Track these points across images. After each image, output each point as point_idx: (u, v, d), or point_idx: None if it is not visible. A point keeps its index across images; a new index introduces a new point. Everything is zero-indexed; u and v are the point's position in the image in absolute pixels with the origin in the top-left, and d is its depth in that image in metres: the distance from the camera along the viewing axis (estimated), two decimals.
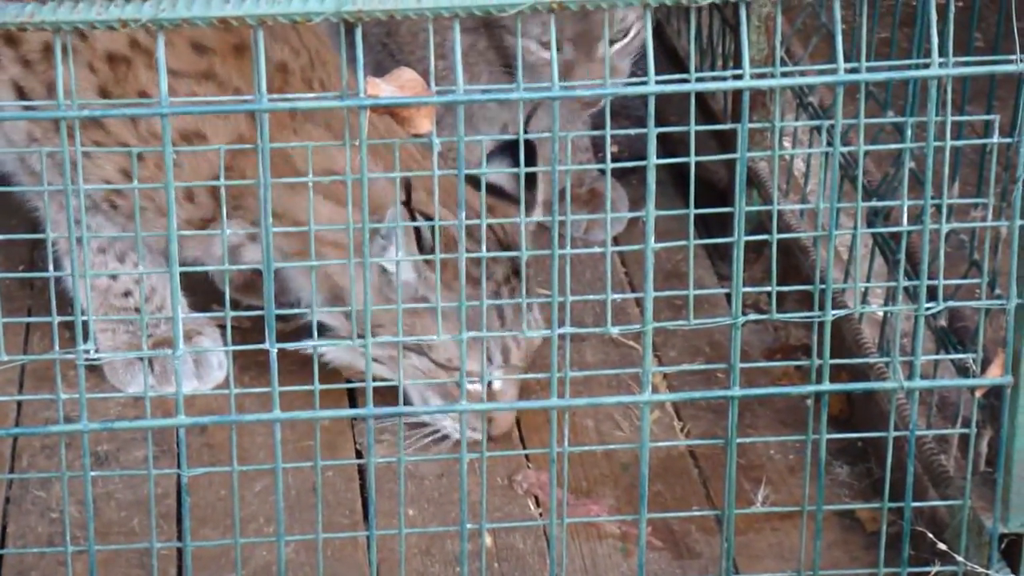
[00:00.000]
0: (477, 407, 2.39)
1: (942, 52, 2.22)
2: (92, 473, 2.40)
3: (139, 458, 3.09)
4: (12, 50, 3.07)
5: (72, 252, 2.26)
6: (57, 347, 2.33)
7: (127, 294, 3.27)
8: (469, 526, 2.47)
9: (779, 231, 2.44)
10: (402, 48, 3.64)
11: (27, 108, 3.02)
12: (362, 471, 3.04)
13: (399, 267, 2.83)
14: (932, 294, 2.43)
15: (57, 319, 2.32)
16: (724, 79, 2.24)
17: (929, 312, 2.42)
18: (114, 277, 3.26)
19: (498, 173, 3.11)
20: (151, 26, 2.02)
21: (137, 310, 3.25)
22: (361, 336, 2.82)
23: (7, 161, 3.26)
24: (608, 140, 2.29)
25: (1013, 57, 2.27)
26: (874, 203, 2.94)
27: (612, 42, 3.50)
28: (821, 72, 2.26)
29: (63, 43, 2.08)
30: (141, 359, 3.15)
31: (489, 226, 2.91)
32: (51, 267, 2.33)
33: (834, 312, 2.38)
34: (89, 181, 3.05)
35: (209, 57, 3.03)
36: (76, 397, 2.33)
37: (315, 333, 2.41)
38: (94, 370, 3.30)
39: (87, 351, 2.29)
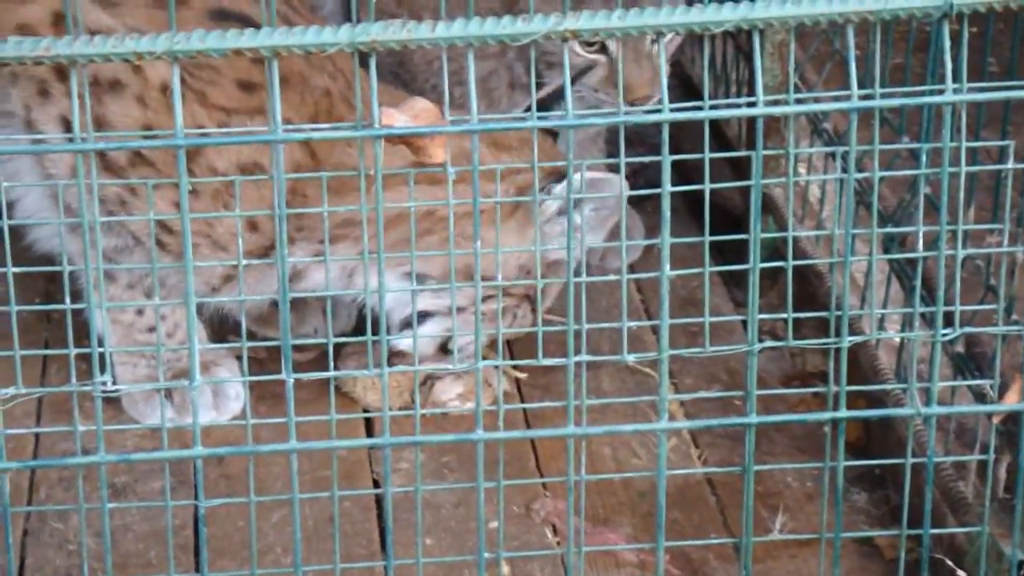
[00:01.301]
0: (492, 436, 2.39)
1: (956, 78, 2.23)
2: (109, 505, 2.40)
3: (156, 489, 3.09)
4: (64, 84, 3.08)
5: (88, 283, 2.27)
6: (74, 379, 2.33)
7: (152, 330, 3.28)
8: (487, 555, 2.46)
9: (795, 257, 2.44)
10: (416, 77, 3.65)
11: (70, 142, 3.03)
12: (379, 501, 3.04)
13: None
14: (949, 320, 2.42)
15: (75, 351, 2.32)
16: (738, 106, 2.24)
17: (946, 338, 2.42)
18: (140, 312, 3.27)
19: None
20: (166, 58, 2.03)
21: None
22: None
23: (34, 196, 3.26)
24: (623, 167, 2.29)
25: None
26: (890, 229, 2.94)
27: (655, 40, 3.48)
28: (835, 98, 2.27)
29: (79, 76, 2.09)
30: (159, 391, 3.16)
31: None
32: (68, 299, 2.34)
33: (850, 339, 2.38)
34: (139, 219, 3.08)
35: (259, 93, 3.06)
36: (94, 429, 2.34)
37: (331, 364, 2.41)
38: (112, 402, 3.30)
39: (104, 383, 2.29)
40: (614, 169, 3.95)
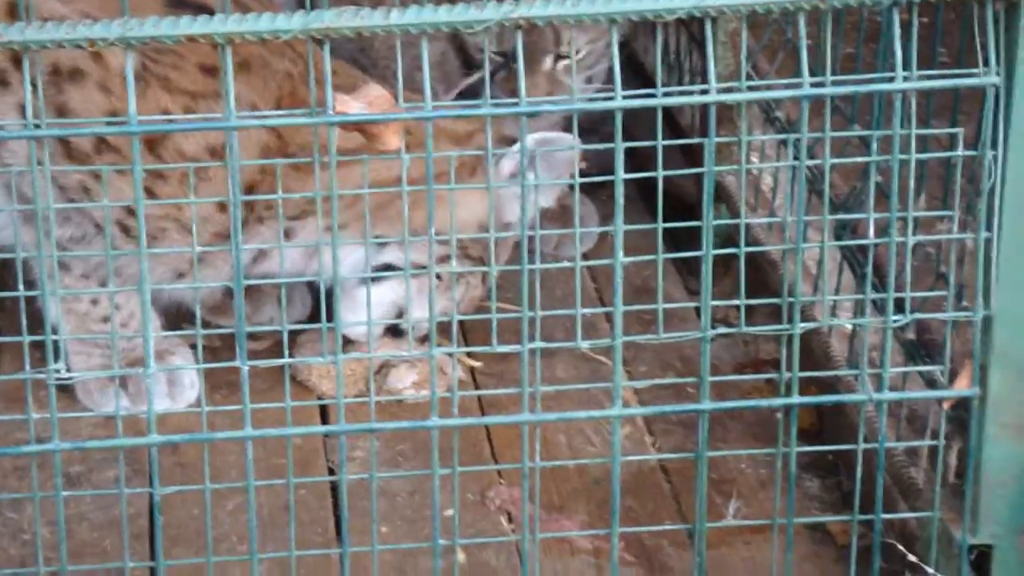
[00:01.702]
0: (447, 423, 2.39)
1: (907, 66, 2.25)
2: (64, 493, 2.40)
3: (111, 478, 3.08)
4: (22, 72, 3.07)
5: (42, 272, 2.26)
6: (28, 367, 2.33)
7: (106, 319, 3.27)
8: (442, 542, 2.47)
9: (747, 245, 2.45)
10: (376, 63, 3.66)
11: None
12: (334, 489, 3.04)
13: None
14: (900, 307, 2.44)
15: (28, 339, 2.32)
16: (691, 94, 2.25)
17: (896, 325, 2.44)
18: (95, 302, 3.26)
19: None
20: (119, 44, 2.03)
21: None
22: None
23: None
24: (577, 155, 2.30)
25: (976, 70, 2.29)
26: (841, 216, 2.96)
27: (559, 57, 3.53)
28: (787, 86, 2.28)
29: (31, 62, 2.09)
30: (114, 380, 3.16)
31: None
32: (21, 286, 2.33)
33: (802, 325, 2.39)
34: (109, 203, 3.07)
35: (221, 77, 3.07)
36: (47, 418, 2.33)
37: (286, 352, 2.42)
38: (66, 391, 3.29)
39: (57, 371, 2.29)
40: None
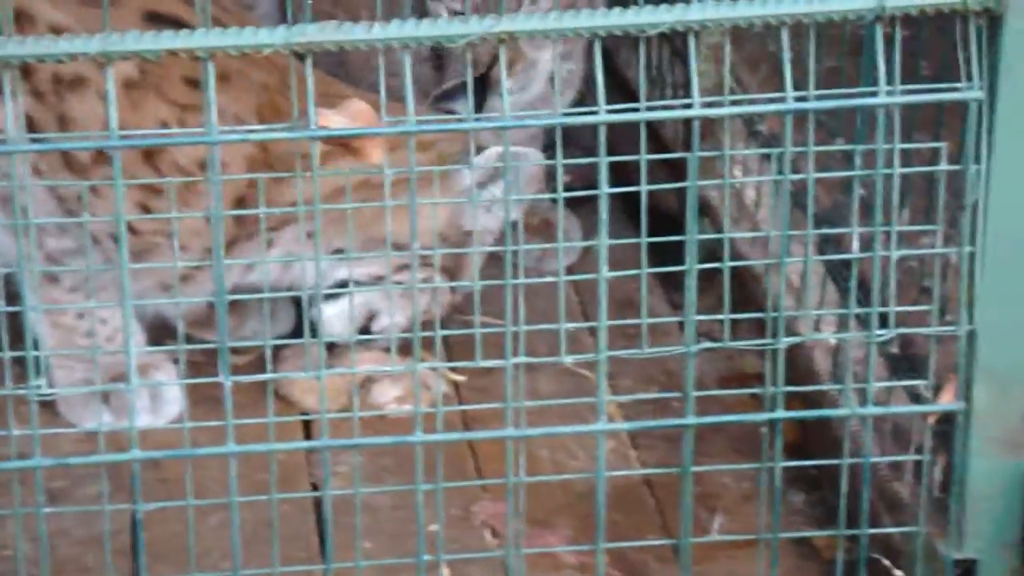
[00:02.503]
0: (431, 438, 2.39)
1: (890, 81, 2.25)
2: (46, 510, 2.39)
3: (93, 494, 3.07)
4: (22, 83, 3.06)
5: (24, 285, 2.26)
6: (9, 383, 2.32)
7: (91, 334, 3.26)
8: (426, 558, 2.46)
9: (731, 259, 2.45)
10: (355, 80, 3.65)
11: (33, 141, 3.00)
12: (318, 504, 3.03)
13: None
14: (884, 321, 2.44)
15: (10, 355, 2.31)
16: (674, 108, 2.25)
17: (880, 339, 2.44)
18: (81, 316, 3.25)
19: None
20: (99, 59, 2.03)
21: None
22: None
23: None
24: (560, 169, 2.30)
25: (959, 85, 2.29)
26: (824, 230, 2.96)
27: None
28: (770, 100, 2.28)
29: (11, 77, 2.09)
30: (96, 395, 3.15)
31: None
32: (1, 302, 2.32)
33: (786, 340, 2.39)
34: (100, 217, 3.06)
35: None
36: (29, 433, 2.32)
37: (269, 366, 2.41)
38: (48, 406, 3.27)
39: (38, 387, 2.28)
40: (551, 171, 3.96)
